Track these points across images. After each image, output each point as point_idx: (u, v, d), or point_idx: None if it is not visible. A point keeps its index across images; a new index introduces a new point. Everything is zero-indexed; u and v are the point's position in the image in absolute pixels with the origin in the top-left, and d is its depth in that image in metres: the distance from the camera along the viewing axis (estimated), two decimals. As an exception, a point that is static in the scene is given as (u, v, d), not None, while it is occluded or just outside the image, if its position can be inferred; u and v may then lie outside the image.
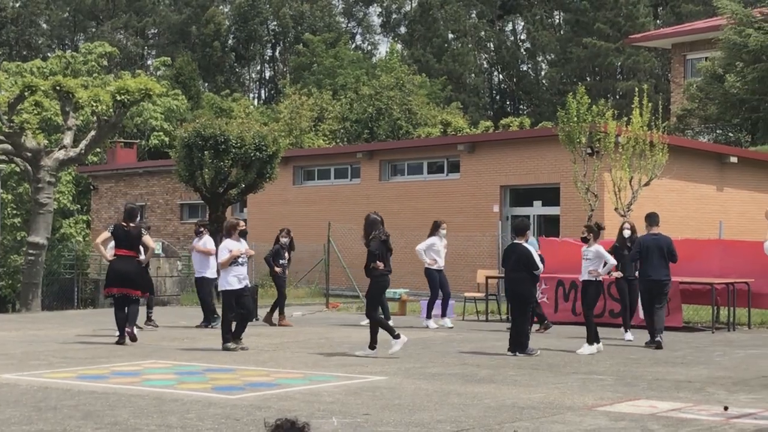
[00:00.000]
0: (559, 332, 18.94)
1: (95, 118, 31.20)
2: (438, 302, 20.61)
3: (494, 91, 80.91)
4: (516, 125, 45.79)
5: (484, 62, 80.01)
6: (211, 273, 19.91)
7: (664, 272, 16.93)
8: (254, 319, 21.07)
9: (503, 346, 16.07)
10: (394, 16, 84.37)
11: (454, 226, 31.49)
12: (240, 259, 15.90)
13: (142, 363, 14.26)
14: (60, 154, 30.78)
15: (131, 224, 16.81)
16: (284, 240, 21.30)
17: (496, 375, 13.00)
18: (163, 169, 42.33)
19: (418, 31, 76.21)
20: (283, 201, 36.42)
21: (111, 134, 37.21)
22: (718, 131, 39.86)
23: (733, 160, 31.31)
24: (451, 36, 76.86)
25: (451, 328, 20.16)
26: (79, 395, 11.18)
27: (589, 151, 25.16)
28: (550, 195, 30.39)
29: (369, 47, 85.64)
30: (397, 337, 15.00)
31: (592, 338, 15.75)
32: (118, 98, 30.38)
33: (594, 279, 15.94)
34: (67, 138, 31.02)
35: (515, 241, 15.61)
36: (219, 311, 20.99)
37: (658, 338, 16.47)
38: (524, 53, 79.48)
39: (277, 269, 21.11)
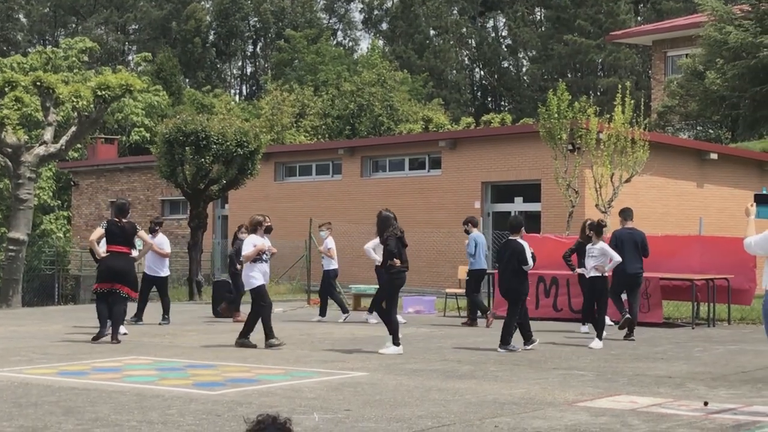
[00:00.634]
0: (539, 328, 18.95)
1: (76, 113, 31.09)
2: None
3: (475, 88, 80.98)
4: (497, 122, 45.83)
5: (466, 59, 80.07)
6: (165, 272, 20.45)
7: (638, 266, 17.68)
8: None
9: (484, 341, 16.08)
10: (376, 12, 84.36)
11: (435, 223, 31.64)
12: (264, 256, 15.87)
13: (123, 359, 14.23)
14: (40, 150, 30.67)
15: (124, 220, 16.66)
16: (243, 236, 21.08)
17: (477, 371, 13.02)
18: (144, 165, 42.25)
19: (399, 27, 76.28)
20: (265, 197, 36.35)
21: (92, 130, 37.09)
22: (698, 128, 40.02)
23: (714, 156, 31.41)
24: (432, 32, 76.94)
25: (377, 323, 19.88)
26: (60, 391, 11.14)
27: (570, 147, 25.24)
28: (531, 191, 30.46)
29: (350, 43, 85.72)
30: (397, 344, 14.94)
31: (601, 333, 16.05)
32: (99, 94, 30.31)
33: (601, 275, 16.30)
34: (48, 134, 30.92)
35: (510, 237, 15.70)
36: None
37: (626, 315, 17.04)
38: (505, 50, 79.62)
39: (239, 267, 20.89)
